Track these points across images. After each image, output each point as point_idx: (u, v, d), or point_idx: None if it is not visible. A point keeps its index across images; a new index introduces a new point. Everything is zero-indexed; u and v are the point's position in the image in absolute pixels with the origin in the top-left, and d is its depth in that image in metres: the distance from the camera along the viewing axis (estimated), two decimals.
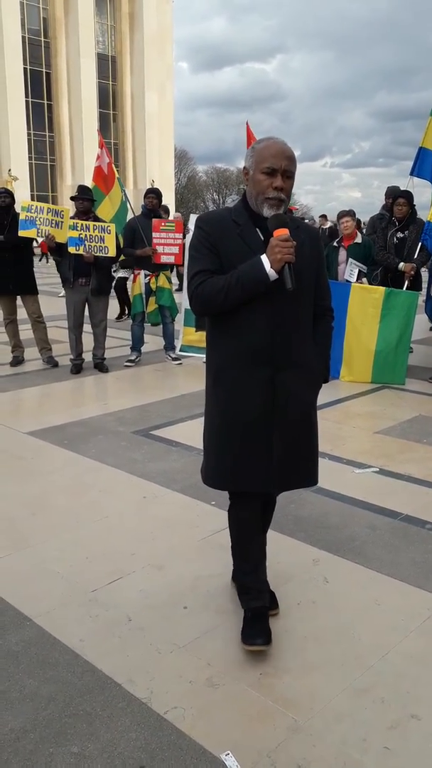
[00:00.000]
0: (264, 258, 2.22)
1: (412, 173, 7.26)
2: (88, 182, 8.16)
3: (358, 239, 7.17)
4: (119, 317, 10.62)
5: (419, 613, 2.67)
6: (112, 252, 6.68)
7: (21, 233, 6.68)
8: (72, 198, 6.94)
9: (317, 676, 2.31)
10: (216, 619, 2.64)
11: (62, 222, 6.70)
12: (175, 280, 9.53)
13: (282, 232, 2.22)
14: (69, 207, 7.21)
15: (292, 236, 2.24)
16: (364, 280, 7.16)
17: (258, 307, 2.29)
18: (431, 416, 5.44)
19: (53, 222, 6.70)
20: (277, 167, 2.25)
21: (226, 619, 2.64)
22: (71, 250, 6.57)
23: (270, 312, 2.30)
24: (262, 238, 2.30)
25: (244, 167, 2.38)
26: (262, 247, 2.27)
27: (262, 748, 2.00)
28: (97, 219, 6.89)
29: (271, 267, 2.21)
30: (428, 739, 2.03)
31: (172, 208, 31.33)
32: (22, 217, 6.64)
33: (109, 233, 6.66)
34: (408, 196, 7.03)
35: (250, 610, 2.51)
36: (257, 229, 2.32)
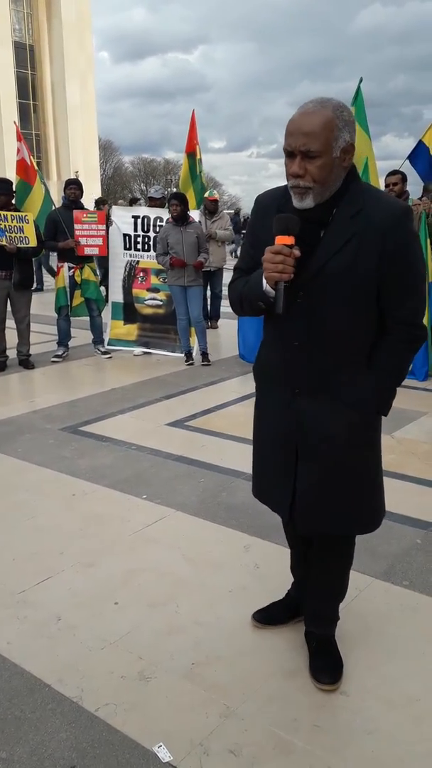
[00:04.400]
0: None
1: None
2: (9, 174, 7.93)
3: None
4: None
5: (347, 593, 2.72)
6: (33, 242, 6.54)
7: None
8: None
9: (249, 662, 2.33)
10: (147, 612, 2.62)
11: (26, 226, 6.56)
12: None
13: (282, 241, 1.80)
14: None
15: (342, 226, 1.84)
16: None
17: (281, 317, 1.91)
18: None
19: (18, 228, 6.51)
20: (292, 148, 1.81)
21: (158, 612, 2.63)
22: None
23: (289, 325, 1.94)
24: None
25: None
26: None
27: (195, 736, 2.00)
28: (17, 212, 6.71)
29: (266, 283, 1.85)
30: (356, 713, 2.08)
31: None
32: None
33: (27, 223, 6.52)
34: None
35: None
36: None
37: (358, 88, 7.08)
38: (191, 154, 8.13)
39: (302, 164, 1.80)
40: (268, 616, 2.52)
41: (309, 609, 2.37)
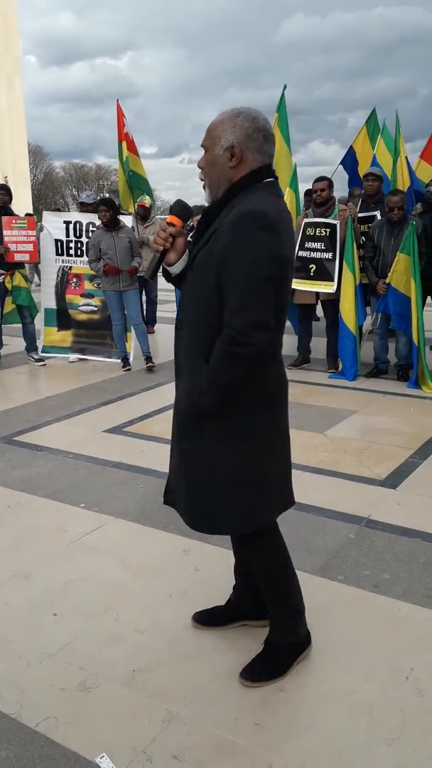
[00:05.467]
0: None
1: None
2: None
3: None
4: None
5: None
6: None
7: None
8: None
9: (190, 665, 2.34)
10: (87, 622, 2.60)
11: None
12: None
13: (169, 219, 2.10)
14: None
15: (215, 224, 1.98)
16: None
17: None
18: None
19: None
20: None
21: (97, 621, 2.61)
22: None
23: (179, 312, 2.15)
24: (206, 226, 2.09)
25: None
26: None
27: (137, 744, 2.00)
28: None
29: None
30: (295, 709, 2.12)
31: (29, 204, 30.05)
32: None
33: None
34: None
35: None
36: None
37: (282, 95, 7.21)
38: (122, 143, 8.21)
39: (202, 158, 2.05)
40: (207, 618, 2.54)
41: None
